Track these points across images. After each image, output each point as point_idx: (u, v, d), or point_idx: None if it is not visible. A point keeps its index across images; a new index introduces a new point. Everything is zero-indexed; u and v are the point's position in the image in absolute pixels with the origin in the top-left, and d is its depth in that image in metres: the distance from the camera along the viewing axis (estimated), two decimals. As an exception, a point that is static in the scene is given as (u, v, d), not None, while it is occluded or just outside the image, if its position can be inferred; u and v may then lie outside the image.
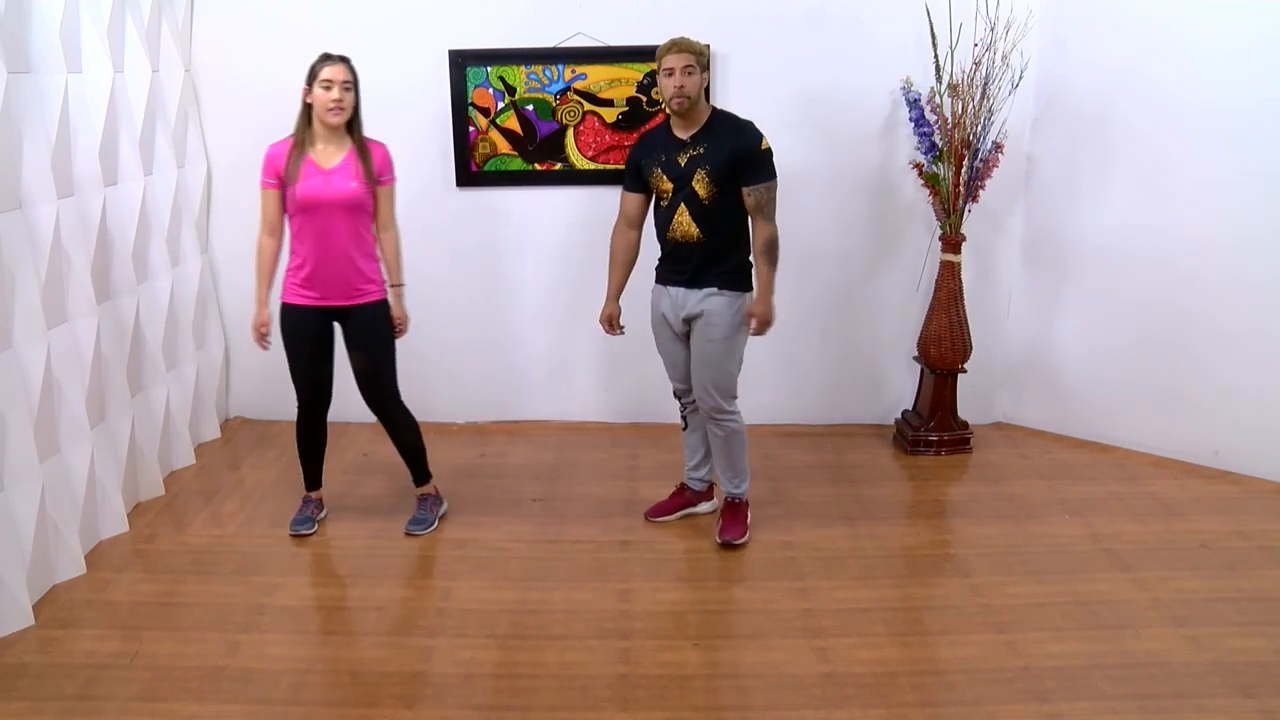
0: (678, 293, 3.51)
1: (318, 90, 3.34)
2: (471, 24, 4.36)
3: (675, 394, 3.76)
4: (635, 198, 3.59)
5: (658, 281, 3.60)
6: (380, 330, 3.56)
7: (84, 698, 2.81)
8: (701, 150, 3.37)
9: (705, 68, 3.39)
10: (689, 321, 3.51)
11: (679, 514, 3.84)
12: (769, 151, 3.38)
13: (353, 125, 3.44)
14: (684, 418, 3.79)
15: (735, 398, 3.56)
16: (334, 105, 3.34)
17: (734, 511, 3.68)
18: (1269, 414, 4.07)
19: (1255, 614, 3.18)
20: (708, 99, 4.36)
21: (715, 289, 3.44)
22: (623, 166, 4.44)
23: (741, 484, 3.68)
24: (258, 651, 3.03)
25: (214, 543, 3.70)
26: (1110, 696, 2.79)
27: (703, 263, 3.44)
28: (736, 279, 3.46)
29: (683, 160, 3.38)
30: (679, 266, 3.49)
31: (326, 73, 3.33)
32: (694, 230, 3.40)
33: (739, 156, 3.35)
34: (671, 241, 3.48)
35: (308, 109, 3.39)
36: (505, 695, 2.83)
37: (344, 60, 3.37)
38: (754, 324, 3.44)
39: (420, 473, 3.82)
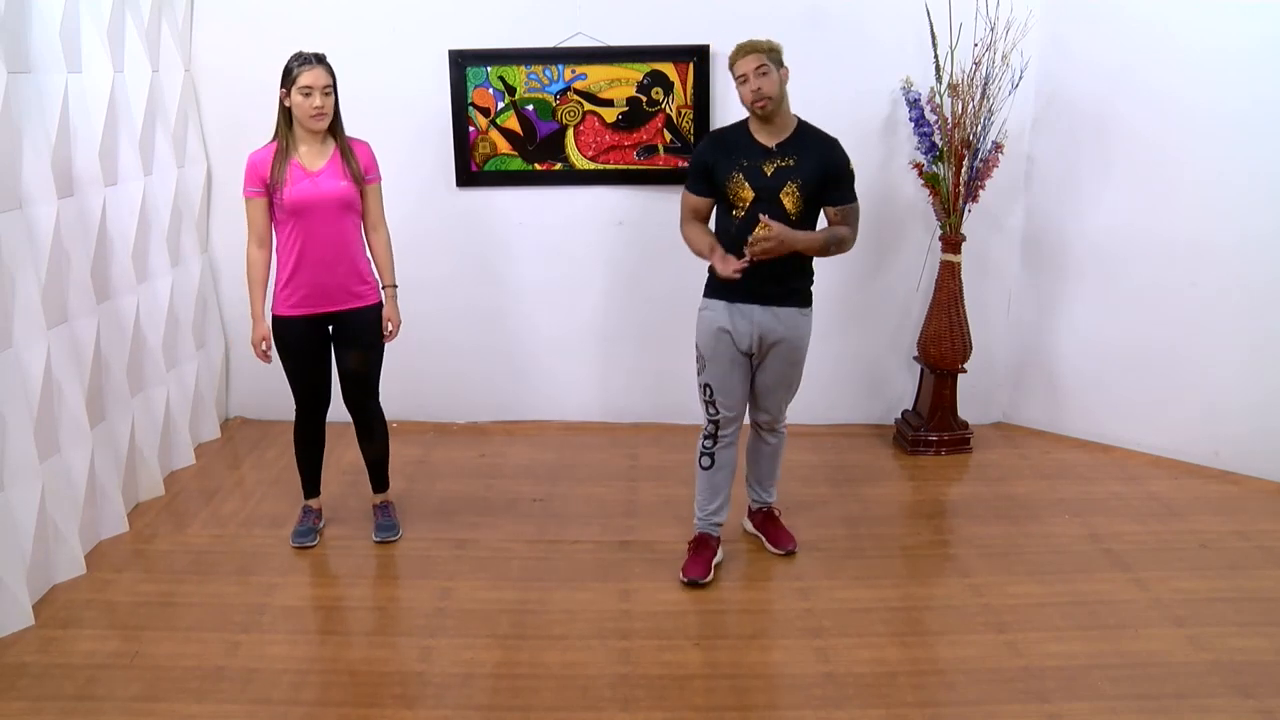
0: (754, 311, 3.24)
1: (297, 96, 3.24)
2: (471, 24, 4.36)
3: (715, 425, 3.38)
4: (704, 201, 3.30)
5: (718, 297, 3.27)
6: (375, 334, 3.52)
7: (84, 698, 2.81)
8: (792, 162, 3.18)
9: (780, 64, 3.17)
10: (765, 344, 3.29)
11: (712, 569, 3.47)
12: (854, 173, 3.30)
13: (335, 126, 3.36)
14: (712, 454, 3.42)
15: None
16: (316, 112, 3.25)
17: (774, 519, 3.64)
18: (1269, 414, 4.07)
19: (1255, 614, 3.18)
20: (705, 100, 4.40)
21: (798, 308, 3.29)
22: (622, 167, 4.49)
23: (775, 490, 3.66)
24: (258, 651, 3.03)
25: (214, 543, 3.70)
26: (1110, 696, 2.79)
27: (783, 279, 3.23)
28: (810, 295, 3.35)
29: (769, 170, 3.18)
30: (756, 283, 3.19)
31: (305, 79, 3.22)
32: (767, 245, 3.12)
33: (830, 174, 3.22)
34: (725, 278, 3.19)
35: (288, 112, 3.30)
36: (505, 695, 2.83)
37: (321, 61, 3.26)
38: (770, 229, 3.08)
39: (384, 477, 3.79)
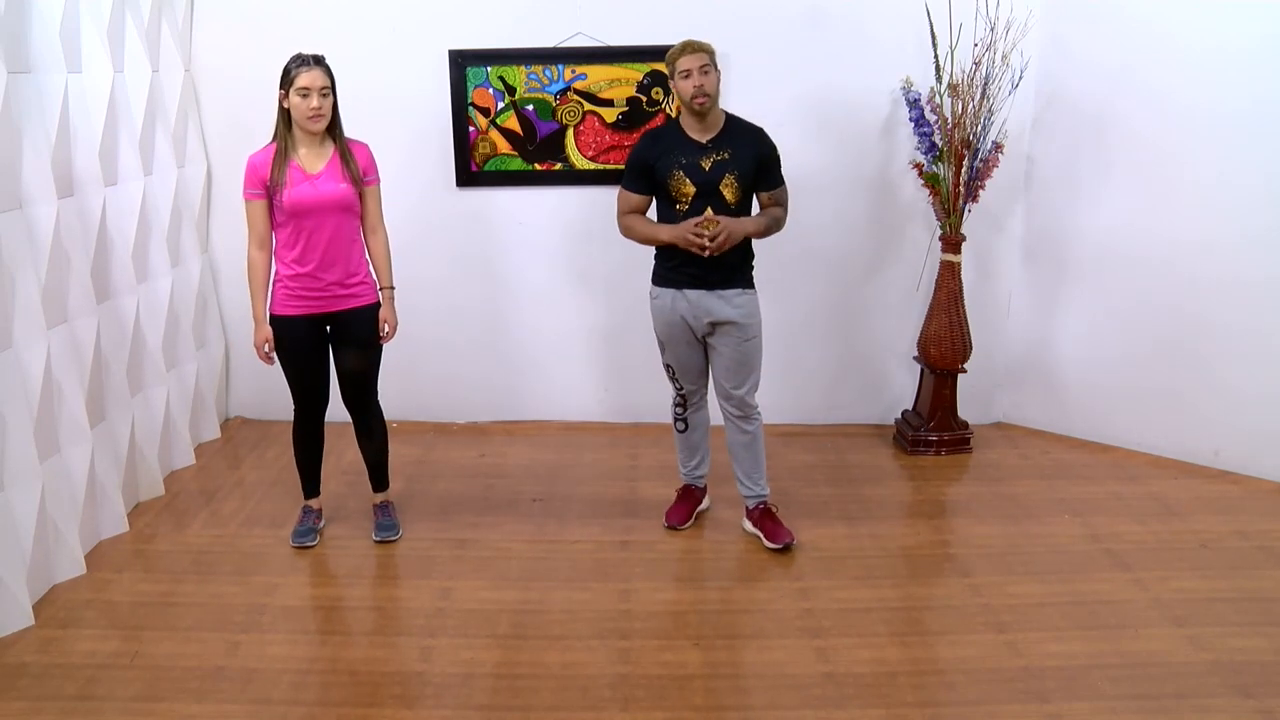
0: (698, 296, 3.43)
1: (294, 98, 3.24)
2: (471, 24, 4.36)
3: (683, 397, 3.68)
4: (643, 199, 3.50)
5: (666, 285, 3.49)
6: (373, 333, 3.52)
7: (84, 698, 2.81)
8: (727, 155, 3.36)
9: (717, 66, 3.36)
10: (714, 325, 3.46)
11: (693, 516, 3.84)
12: (780, 158, 3.50)
13: (334, 127, 3.36)
14: (684, 419, 3.74)
15: None
16: (313, 113, 3.25)
17: (771, 515, 3.67)
18: (1269, 414, 4.07)
19: (1255, 614, 3.18)
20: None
21: (741, 289, 3.45)
22: (622, 167, 4.46)
23: (765, 482, 3.69)
24: (258, 651, 3.03)
25: (214, 543, 3.70)
26: (1110, 696, 2.79)
27: (724, 264, 3.40)
28: (752, 277, 3.51)
29: (706, 164, 3.35)
30: (699, 271, 3.40)
31: (302, 80, 3.22)
32: (723, 236, 3.32)
33: (762, 162, 3.42)
34: (690, 249, 3.36)
35: (287, 114, 3.30)
36: (505, 695, 2.83)
37: (319, 63, 3.27)
38: (718, 224, 3.29)
39: (384, 477, 3.79)
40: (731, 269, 3.43)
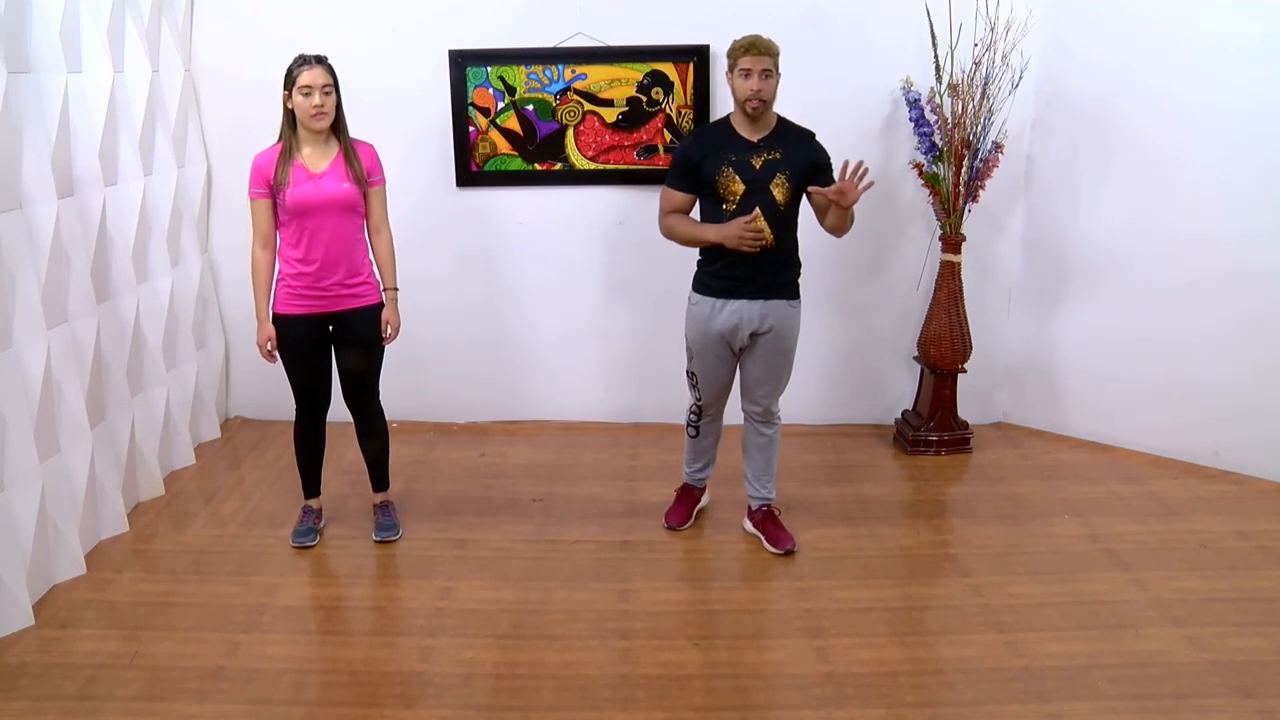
0: (741, 306, 3.35)
1: (297, 96, 3.26)
2: (471, 24, 4.36)
3: (702, 408, 3.62)
4: (686, 198, 3.40)
5: (707, 294, 3.40)
6: (375, 333, 3.52)
7: (84, 698, 2.81)
8: (778, 155, 3.29)
9: (779, 70, 3.28)
10: (754, 336, 3.40)
11: (693, 516, 3.83)
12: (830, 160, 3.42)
13: (338, 127, 3.38)
14: (698, 427, 3.68)
15: None
16: (316, 111, 3.27)
17: (774, 519, 3.66)
18: (1269, 414, 4.07)
19: (1255, 614, 3.18)
20: (706, 100, 4.40)
21: (788, 299, 3.40)
22: (622, 167, 4.49)
23: (773, 486, 3.68)
24: (258, 651, 3.03)
25: (214, 543, 3.70)
26: (1110, 696, 2.79)
27: (773, 270, 3.34)
28: (798, 287, 3.45)
29: (758, 163, 3.28)
30: (745, 274, 3.32)
31: (304, 78, 3.24)
32: (769, 235, 3.29)
33: (817, 166, 3.35)
34: (740, 248, 3.28)
35: (291, 114, 3.32)
36: (505, 695, 2.83)
37: (321, 61, 3.29)
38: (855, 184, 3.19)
39: (384, 476, 3.79)
40: (780, 278, 3.37)
